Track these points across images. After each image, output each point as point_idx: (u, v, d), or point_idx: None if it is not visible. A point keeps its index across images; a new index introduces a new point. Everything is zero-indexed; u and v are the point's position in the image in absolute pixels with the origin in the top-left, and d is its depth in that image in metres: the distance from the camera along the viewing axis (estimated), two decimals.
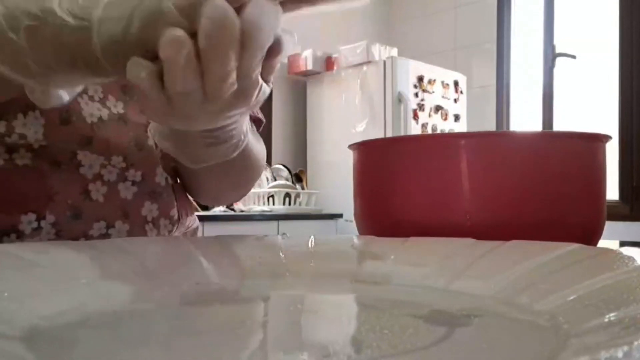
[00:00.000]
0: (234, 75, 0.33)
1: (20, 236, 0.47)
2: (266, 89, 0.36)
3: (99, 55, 0.33)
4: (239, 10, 0.31)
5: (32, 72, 0.35)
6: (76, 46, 0.33)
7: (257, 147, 0.61)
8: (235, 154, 0.47)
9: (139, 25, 0.32)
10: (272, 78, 0.37)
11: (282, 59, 0.35)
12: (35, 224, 0.47)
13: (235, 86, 0.33)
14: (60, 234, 0.49)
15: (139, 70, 0.32)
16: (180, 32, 0.31)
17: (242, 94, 0.34)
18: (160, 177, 0.56)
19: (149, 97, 0.34)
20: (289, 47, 0.35)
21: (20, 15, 0.33)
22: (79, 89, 0.39)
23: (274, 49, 0.34)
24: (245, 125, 0.46)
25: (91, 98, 0.52)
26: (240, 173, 0.62)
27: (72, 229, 0.49)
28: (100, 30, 0.32)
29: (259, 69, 0.34)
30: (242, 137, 0.46)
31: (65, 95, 0.38)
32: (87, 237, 0.50)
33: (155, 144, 0.56)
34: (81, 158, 0.50)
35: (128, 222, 0.53)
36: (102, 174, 0.51)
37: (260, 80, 0.35)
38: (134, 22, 0.32)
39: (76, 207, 0.49)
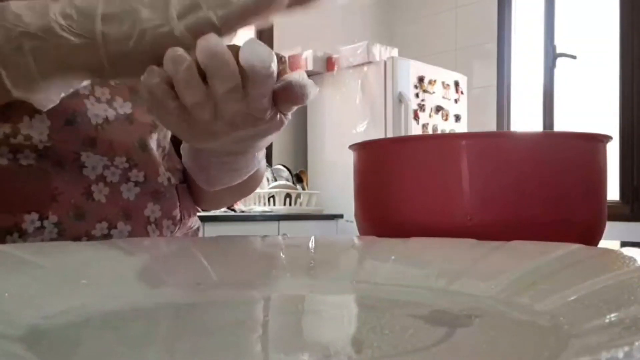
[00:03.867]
0: (237, 95, 0.37)
1: (23, 235, 0.47)
2: (282, 121, 0.41)
3: (107, 68, 0.38)
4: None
5: (38, 87, 0.39)
6: (82, 62, 0.38)
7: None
8: (246, 177, 0.53)
9: (151, 45, 0.37)
10: (289, 114, 0.42)
11: (303, 104, 0.40)
12: (38, 224, 0.48)
13: (242, 107, 0.38)
14: (63, 234, 0.49)
15: (153, 77, 0.37)
16: (180, 51, 0.36)
17: (251, 116, 0.39)
18: (163, 177, 0.56)
19: (164, 106, 0.38)
20: (311, 94, 0.40)
21: (20, 36, 0.36)
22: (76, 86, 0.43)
23: (296, 95, 0.39)
24: (261, 154, 0.52)
25: (98, 100, 0.52)
26: (244, 186, 0.66)
27: (74, 229, 0.49)
28: (107, 47, 0.37)
29: (266, 97, 0.38)
30: (256, 164, 0.52)
31: (57, 98, 0.42)
32: (90, 237, 0.50)
33: (157, 145, 0.57)
34: (84, 159, 0.50)
35: (130, 222, 0.53)
36: (105, 175, 0.51)
37: (273, 109, 0.39)
38: (145, 42, 0.37)
39: (79, 207, 0.50)
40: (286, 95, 0.39)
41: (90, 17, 0.37)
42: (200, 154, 0.51)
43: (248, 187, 0.68)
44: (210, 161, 0.50)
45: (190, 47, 0.36)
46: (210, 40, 0.36)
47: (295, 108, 0.41)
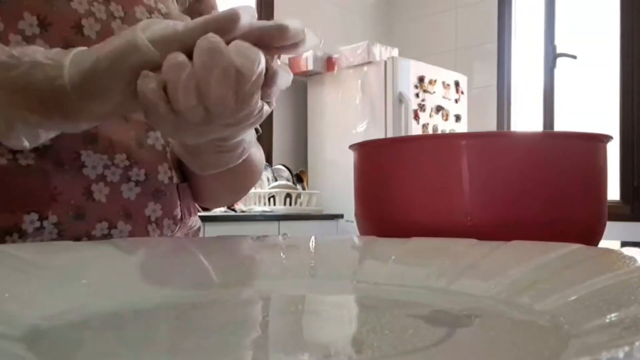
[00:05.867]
0: (231, 99, 0.37)
1: (23, 235, 0.47)
2: (266, 109, 0.41)
3: (68, 89, 0.38)
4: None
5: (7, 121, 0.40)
6: (47, 85, 0.38)
7: (257, 154, 0.66)
8: (239, 161, 0.53)
9: (110, 59, 0.37)
10: (274, 101, 0.42)
11: (280, 89, 0.41)
12: (37, 224, 0.48)
13: (236, 108, 0.38)
14: (63, 234, 0.49)
15: (147, 82, 0.37)
16: (181, 57, 0.36)
17: (243, 115, 0.39)
18: (163, 175, 0.56)
19: (158, 112, 0.38)
20: (284, 80, 0.40)
21: None
22: (50, 135, 0.44)
23: (270, 80, 0.39)
24: (250, 135, 0.52)
25: None
26: (241, 178, 0.66)
27: (74, 229, 0.49)
28: (70, 68, 0.38)
29: (257, 95, 0.39)
30: (247, 147, 0.52)
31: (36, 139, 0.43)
32: (90, 237, 0.50)
33: (161, 142, 0.57)
34: (85, 158, 0.50)
35: (130, 222, 0.53)
36: (105, 174, 0.51)
37: (260, 103, 0.40)
38: (104, 58, 0.37)
39: (79, 207, 0.50)
40: (264, 83, 0.39)
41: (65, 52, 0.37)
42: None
43: (244, 181, 0.68)
44: (199, 147, 0.50)
45: (155, 60, 0.36)
46: (213, 41, 0.35)
47: (275, 94, 0.41)
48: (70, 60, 0.38)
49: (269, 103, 0.42)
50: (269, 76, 0.39)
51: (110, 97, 0.38)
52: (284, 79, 0.40)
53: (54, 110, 0.39)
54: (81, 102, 0.38)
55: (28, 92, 0.39)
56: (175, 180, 0.58)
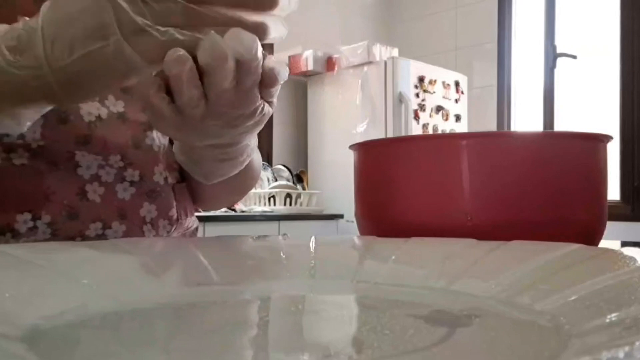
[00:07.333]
0: (232, 90, 0.37)
1: (16, 235, 0.47)
2: (268, 109, 0.41)
3: (60, 95, 0.37)
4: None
5: None
6: (34, 92, 0.37)
7: (256, 157, 0.66)
8: (242, 167, 0.53)
9: (100, 67, 0.36)
10: (274, 101, 0.42)
11: (278, 86, 0.41)
12: (31, 224, 0.47)
13: (237, 101, 0.39)
14: (56, 234, 0.49)
15: (147, 87, 0.37)
16: (182, 52, 0.36)
17: (245, 112, 0.40)
18: (159, 176, 0.56)
19: (159, 111, 0.38)
20: (284, 75, 0.40)
21: None
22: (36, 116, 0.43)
23: (269, 78, 0.39)
24: (254, 141, 0.52)
25: None
26: (241, 181, 0.66)
27: (68, 229, 0.49)
28: (55, 76, 0.36)
29: (256, 89, 0.39)
30: (250, 152, 0.52)
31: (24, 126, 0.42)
32: (83, 237, 0.50)
33: (155, 143, 0.57)
34: (79, 159, 0.50)
35: (125, 222, 0.53)
36: (99, 174, 0.51)
37: (260, 101, 0.40)
38: (93, 64, 0.36)
39: (72, 207, 0.49)
40: (263, 82, 0.39)
41: (32, 43, 0.36)
42: (192, 148, 0.51)
43: (245, 183, 0.68)
44: (203, 154, 0.50)
45: (138, 67, 0.36)
46: (215, 39, 0.36)
47: (276, 93, 0.41)
48: (50, 63, 0.36)
49: (270, 103, 0.42)
50: (267, 74, 0.39)
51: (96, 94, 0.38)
52: (282, 74, 0.40)
53: (42, 103, 0.39)
54: (70, 99, 0.39)
55: (14, 97, 0.38)
56: (170, 181, 0.58)
